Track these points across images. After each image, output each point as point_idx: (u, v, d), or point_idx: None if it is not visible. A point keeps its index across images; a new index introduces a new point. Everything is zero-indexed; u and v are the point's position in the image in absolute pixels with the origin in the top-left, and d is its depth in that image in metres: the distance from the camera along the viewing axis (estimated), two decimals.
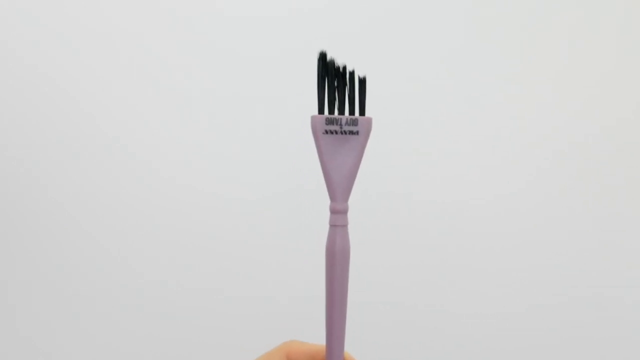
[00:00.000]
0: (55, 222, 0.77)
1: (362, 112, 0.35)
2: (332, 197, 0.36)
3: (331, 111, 0.35)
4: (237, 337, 0.79)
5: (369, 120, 0.35)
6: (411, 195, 0.80)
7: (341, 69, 0.35)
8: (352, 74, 0.35)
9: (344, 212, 0.35)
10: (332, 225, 0.36)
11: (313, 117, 0.35)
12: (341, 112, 0.35)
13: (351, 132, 0.35)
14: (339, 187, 0.35)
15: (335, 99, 0.35)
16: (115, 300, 0.78)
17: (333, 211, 0.36)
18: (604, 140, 0.82)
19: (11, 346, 0.77)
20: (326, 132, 0.35)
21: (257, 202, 0.79)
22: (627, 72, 0.82)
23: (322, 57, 0.34)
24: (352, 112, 0.35)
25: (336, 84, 0.35)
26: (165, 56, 0.78)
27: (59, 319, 0.77)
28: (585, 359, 0.82)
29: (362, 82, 0.35)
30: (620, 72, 0.82)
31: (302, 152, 0.79)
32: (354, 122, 0.35)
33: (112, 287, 0.78)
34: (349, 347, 0.39)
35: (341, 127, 0.35)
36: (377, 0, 0.80)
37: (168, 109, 0.78)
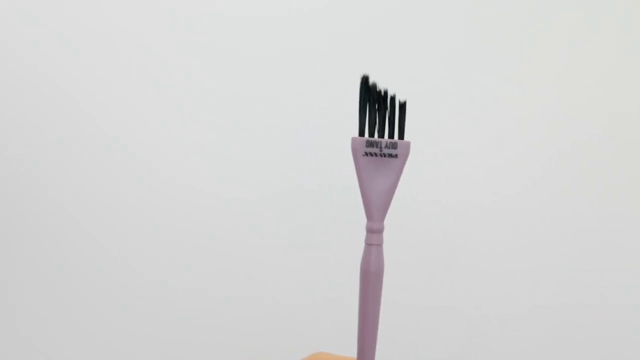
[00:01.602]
0: (55, 222, 0.77)
1: (401, 135, 0.36)
2: (369, 216, 0.36)
3: (371, 134, 0.36)
4: (237, 337, 0.79)
5: (408, 144, 0.36)
6: (415, 195, 0.80)
7: (382, 93, 0.35)
8: (392, 98, 0.36)
9: (380, 231, 0.36)
10: (368, 244, 0.36)
11: (354, 139, 0.36)
12: (381, 135, 0.36)
13: (390, 155, 0.36)
14: (376, 207, 0.36)
15: (376, 122, 0.36)
16: (115, 300, 0.78)
17: (369, 230, 0.36)
18: (607, 139, 0.82)
19: (11, 346, 0.77)
20: (366, 154, 0.36)
21: (257, 202, 0.79)
22: (628, 71, 0.83)
23: (365, 80, 0.35)
24: (391, 135, 0.36)
25: (377, 107, 0.36)
26: (165, 56, 0.78)
27: (59, 319, 0.77)
28: None
29: (402, 106, 0.36)
30: (622, 72, 0.82)
31: (302, 152, 0.79)
32: (394, 146, 0.36)
33: (112, 287, 0.78)
34: None
35: (381, 150, 0.36)
36: (377, 0, 0.80)
37: (168, 109, 0.78)
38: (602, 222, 0.82)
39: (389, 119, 0.36)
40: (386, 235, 0.84)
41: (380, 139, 0.36)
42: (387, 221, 0.87)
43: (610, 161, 0.82)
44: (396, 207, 0.80)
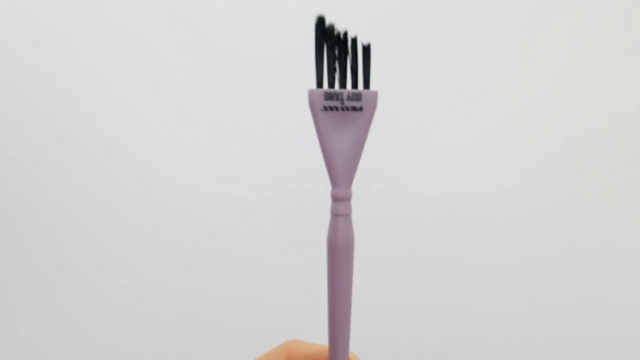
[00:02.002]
0: (55, 222, 0.77)
1: (366, 85, 0.31)
2: (334, 182, 0.31)
3: (331, 85, 0.31)
4: (237, 337, 0.79)
5: (374, 95, 0.31)
6: (410, 190, 0.80)
7: (342, 36, 0.30)
8: (354, 40, 0.30)
9: (347, 199, 0.31)
10: (334, 215, 0.31)
11: (311, 92, 0.30)
12: (342, 85, 0.31)
13: (354, 108, 0.31)
14: (341, 171, 0.31)
15: (335, 70, 0.30)
16: (115, 300, 0.78)
17: (335, 198, 0.31)
18: (602, 135, 0.82)
19: (11, 346, 0.77)
20: (325, 108, 0.31)
21: (257, 202, 0.79)
22: (627, 71, 0.82)
23: (320, 21, 0.30)
24: (355, 85, 0.31)
25: (337, 52, 0.30)
26: (165, 56, 0.78)
27: (59, 319, 0.77)
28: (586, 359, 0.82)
29: (367, 50, 0.30)
30: (620, 72, 0.82)
31: (302, 152, 0.79)
32: (357, 97, 0.31)
33: (112, 287, 0.78)
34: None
35: (342, 103, 0.31)
36: (377, 0, 0.80)
37: (168, 109, 0.78)
38: (597, 217, 0.82)
39: (351, 66, 0.30)
40: (381, 231, 0.83)
41: (342, 90, 0.30)
42: (383, 216, 0.87)
43: (606, 157, 0.82)
44: (392, 203, 0.80)
